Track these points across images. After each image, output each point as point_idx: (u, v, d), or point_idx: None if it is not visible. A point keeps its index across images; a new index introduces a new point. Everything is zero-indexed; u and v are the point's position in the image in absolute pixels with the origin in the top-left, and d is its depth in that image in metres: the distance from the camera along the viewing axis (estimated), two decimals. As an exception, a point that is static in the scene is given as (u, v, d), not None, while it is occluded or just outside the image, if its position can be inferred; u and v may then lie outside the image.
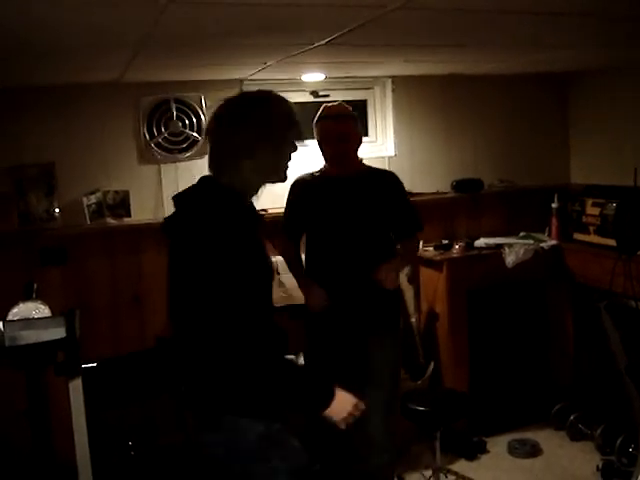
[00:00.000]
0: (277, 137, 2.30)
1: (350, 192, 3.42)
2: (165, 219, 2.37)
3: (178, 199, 2.32)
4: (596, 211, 4.43)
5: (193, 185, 2.32)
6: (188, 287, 2.18)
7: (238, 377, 2.15)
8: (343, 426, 2.27)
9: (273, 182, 2.37)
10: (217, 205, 2.20)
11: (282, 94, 4.66)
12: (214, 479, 2.32)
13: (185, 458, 3.56)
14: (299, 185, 3.58)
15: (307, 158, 3.99)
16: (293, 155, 2.39)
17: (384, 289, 3.35)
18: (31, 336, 2.89)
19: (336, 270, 3.43)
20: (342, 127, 3.38)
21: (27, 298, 3.14)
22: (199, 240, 2.15)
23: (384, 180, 3.53)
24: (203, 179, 2.31)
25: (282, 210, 4.34)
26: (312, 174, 3.60)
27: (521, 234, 4.90)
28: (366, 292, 3.39)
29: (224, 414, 2.21)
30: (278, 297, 4.38)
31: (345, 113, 3.44)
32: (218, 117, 2.30)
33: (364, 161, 3.60)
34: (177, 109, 4.32)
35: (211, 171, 2.30)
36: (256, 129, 2.23)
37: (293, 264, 3.71)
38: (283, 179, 2.39)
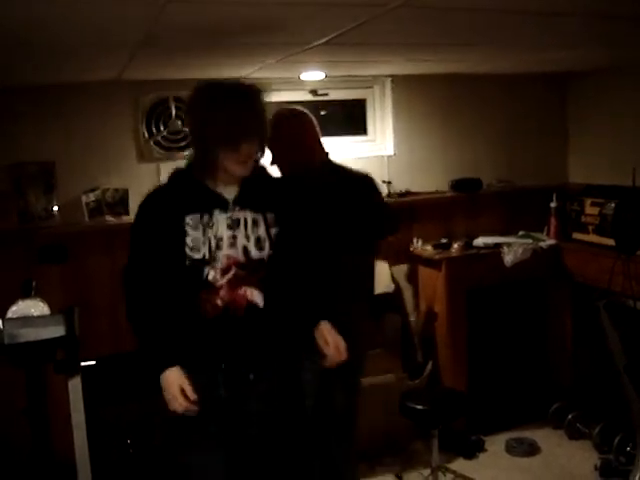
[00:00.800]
0: (195, 126, 2.54)
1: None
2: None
3: None
4: (595, 211, 4.43)
5: None
6: None
7: None
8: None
9: (207, 168, 2.52)
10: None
11: (281, 93, 4.72)
12: None
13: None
14: None
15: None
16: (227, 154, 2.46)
17: None
18: (30, 334, 2.89)
19: None
20: None
21: (26, 296, 3.15)
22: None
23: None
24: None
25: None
26: None
27: (520, 233, 4.91)
28: None
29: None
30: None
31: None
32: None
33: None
34: (176, 107, 4.32)
35: None
36: (187, 118, 2.77)
37: None
38: (236, 174, 2.50)
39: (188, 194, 2.49)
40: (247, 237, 2.49)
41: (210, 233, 2.45)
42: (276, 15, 2.41)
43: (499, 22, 2.76)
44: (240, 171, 2.49)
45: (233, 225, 2.48)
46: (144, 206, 2.59)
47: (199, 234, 2.44)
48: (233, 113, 2.42)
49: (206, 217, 2.46)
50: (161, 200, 2.55)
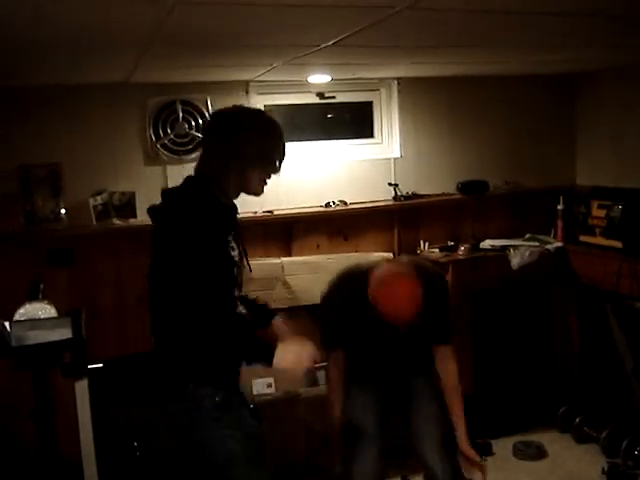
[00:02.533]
0: (265, 155, 2.58)
1: None
2: (151, 205, 2.75)
3: (165, 193, 2.64)
4: (602, 213, 4.43)
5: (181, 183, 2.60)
6: (161, 268, 2.49)
7: (198, 348, 2.44)
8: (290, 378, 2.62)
9: (249, 192, 2.64)
10: (192, 201, 2.49)
11: (288, 95, 4.73)
12: (180, 448, 2.63)
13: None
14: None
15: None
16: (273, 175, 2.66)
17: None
18: (38, 336, 2.90)
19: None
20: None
21: (33, 299, 3.15)
22: (173, 229, 2.44)
23: (430, 285, 3.04)
24: (188, 178, 2.59)
25: (288, 212, 4.37)
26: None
27: (527, 236, 4.89)
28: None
29: (187, 384, 2.48)
30: (282, 298, 4.39)
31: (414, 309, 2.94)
32: (214, 124, 2.66)
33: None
34: (183, 110, 4.32)
35: (198, 172, 2.60)
36: (243, 146, 2.52)
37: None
38: (257, 194, 2.66)
39: (221, 213, 2.54)
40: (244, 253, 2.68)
41: (236, 251, 2.59)
42: (284, 17, 2.41)
43: (507, 24, 2.76)
44: (261, 192, 2.66)
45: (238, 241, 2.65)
46: (205, 227, 2.44)
47: (236, 253, 2.58)
48: (280, 140, 2.62)
49: (233, 235, 2.58)
50: (211, 220, 2.48)
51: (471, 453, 3.20)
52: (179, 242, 2.40)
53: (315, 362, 2.63)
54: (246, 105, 4.39)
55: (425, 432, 3.25)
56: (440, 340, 3.24)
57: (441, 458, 3.23)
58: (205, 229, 2.42)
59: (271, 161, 2.59)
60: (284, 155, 2.63)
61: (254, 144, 2.53)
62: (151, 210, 2.72)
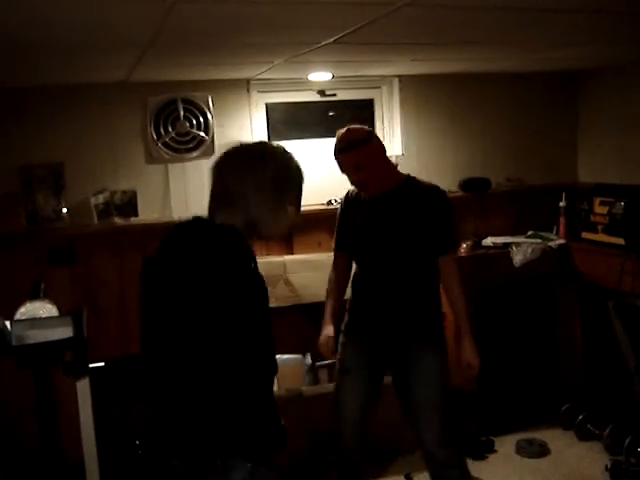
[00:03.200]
0: (282, 197, 2.27)
1: (387, 209, 3.26)
2: (148, 260, 2.31)
3: (172, 235, 2.24)
4: (604, 210, 4.41)
5: (186, 224, 2.22)
6: (188, 323, 2.09)
7: (237, 413, 2.06)
8: None
9: (263, 237, 2.31)
10: (220, 241, 2.12)
11: (289, 93, 4.72)
12: None
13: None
14: (348, 201, 3.46)
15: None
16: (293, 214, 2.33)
17: (423, 301, 3.32)
18: (38, 335, 2.89)
19: (375, 288, 3.33)
20: (352, 158, 3.17)
21: (34, 298, 3.14)
22: (204, 276, 2.07)
23: (424, 196, 3.28)
24: (197, 219, 2.22)
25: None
26: (356, 190, 3.44)
27: (529, 233, 4.88)
28: (404, 304, 3.29)
29: (215, 457, 2.09)
30: (284, 296, 4.39)
31: (352, 141, 3.18)
32: (227, 163, 2.25)
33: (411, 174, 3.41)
34: (184, 109, 4.32)
35: (210, 213, 2.22)
36: (266, 185, 2.20)
37: (329, 295, 3.53)
38: (273, 237, 2.47)
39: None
40: None
41: None
42: (284, 14, 2.40)
43: (507, 20, 2.75)
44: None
45: None
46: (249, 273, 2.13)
47: None
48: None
49: None
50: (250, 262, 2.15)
51: (474, 362, 3.35)
52: (222, 290, 2.05)
53: None
54: (246, 104, 4.47)
55: (424, 416, 3.30)
56: (441, 250, 3.29)
57: (442, 442, 3.30)
58: (245, 271, 2.10)
59: (283, 199, 2.28)
60: (297, 190, 2.38)
61: (297, 186, 2.35)
62: (152, 264, 2.32)
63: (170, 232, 2.24)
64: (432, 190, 3.31)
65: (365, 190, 3.30)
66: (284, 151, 2.35)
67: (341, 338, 3.45)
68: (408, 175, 3.37)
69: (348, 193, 3.47)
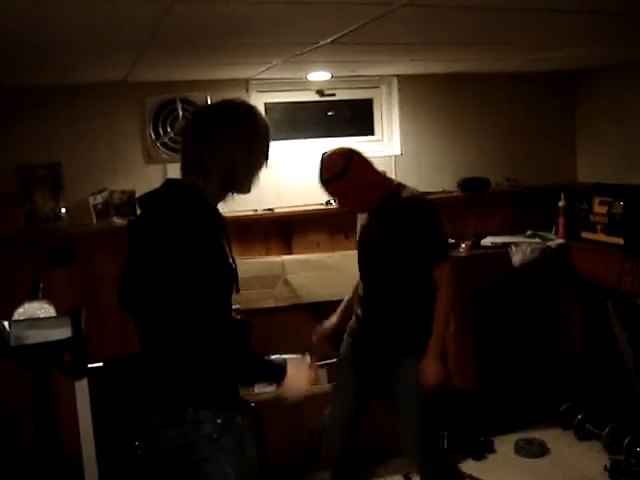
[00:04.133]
0: (253, 153, 2.33)
1: (369, 226, 3.34)
2: (130, 221, 2.50)
3: (143, 200, 2.39)
4: (603, 210, 4.41)
5: (159, 187, 2.36)
6: (149, 284, 2.26)
7: (200, 368, 2.23)
8: (292, 400, 2.45)
9: (237, 193, 2.39)
10: (181, 205, 2.25)
11: (288, 93, 4.72)
12: (172, 474, 2.41)
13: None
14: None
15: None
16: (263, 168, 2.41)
17: (406, 317, 3.31)
18: (37, 336, 2.89)
19: (364, 299, 3.41)
20: (335, 188, 3.21)
21: (33, 298, 3.15)
22: (162, 238, 2.21)
23: (402, 214, 3.24)
24: (169, 181, 2.41)
25: (288, 210, 4.38)
26: None
27: (528, 233, 4.88)
28: (386, 320, 3.32)
29: (185, 407, 2.26)
30: (283, 296, 4.39)
31: (332, 173, 3.18)
32: (196, 122, 2.35)
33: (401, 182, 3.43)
34: (183, 109, 4.32)
35: (182, 174, 2.34)
36: (236, 142, 2.27)
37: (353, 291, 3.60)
38: (247, 192, 2.40)
39: (217, 218, 2.35)
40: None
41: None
42: (282, 14, 2.40)
43: (505, 20, 2.75)
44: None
45: None
46: (203, 230, 2.23)
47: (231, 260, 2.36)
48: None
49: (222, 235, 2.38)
50: (206, 222, 2.27)
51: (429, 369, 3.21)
52: (178, 249, 2.16)
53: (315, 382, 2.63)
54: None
55: (402, 422, 3.35)
56: (431, 262, 3.27)
57: (421, 453, 3.36)
58: (204, 233, 2.21)
59: (257, 155, 2.36)
60: (267, 147, 2.40)
61: (264, 144, 2.37)
62: (132, 225, 2.47)
63: (147, 194, 2.38)
64: (411, 205, 3.26)
65: (354, 210, 3.42)
66: (250, 107, 2.39)
67: (344, 339, 3.54)
68: (397, 185, 3.35)
69: None
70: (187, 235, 2.18)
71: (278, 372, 2.40)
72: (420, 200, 3.30)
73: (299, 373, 2.47)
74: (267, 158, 2.39)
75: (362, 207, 3.33)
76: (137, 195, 4.27)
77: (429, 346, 3.20)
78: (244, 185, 2.36)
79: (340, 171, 3.16)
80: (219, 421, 2.26)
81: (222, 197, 2.36)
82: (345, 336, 3.51)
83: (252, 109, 2.37)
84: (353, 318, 3.49)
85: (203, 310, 2.17)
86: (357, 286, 3.51)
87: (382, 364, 3.33)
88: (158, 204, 2.31)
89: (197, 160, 2.27)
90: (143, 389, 2.49)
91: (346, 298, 3.63)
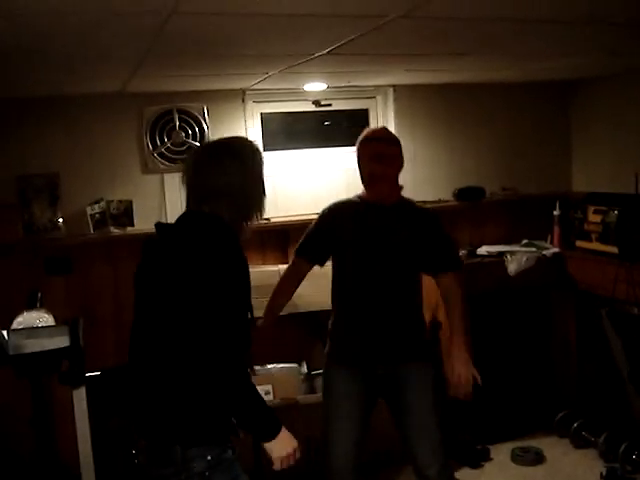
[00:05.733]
0: (260, 181, 2.44)
1: (386, 221, 3.24)
2: (150, 238, 2.45)
3: (165, 228, 2.43)
4: (598, 218, 4.43)
5: (182, 217, 2.39)
6: (175, 309, 2.22)
7: (202, 403, 2.22)
8: (277, 466, 2.37)
9: (250, 222, 2.44)
10: (217, 231, 2.28)
11: (284, 104, 4.74)
12: None
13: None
14: (334, 211, 3.38)
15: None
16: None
17: (410, 320, 3.30)
18: (35, 345, 2.90)
19: (363, 299, 3.25)
20: (389, 149, 3.22)
21: (31, 307, 3.16)
22: (201, 265, 2.20)
23: (422, 216, 3.36)
24: (192, 212, 2.38)
25: (285, 220, 4.38)
26: (349, 200, 3.39)
27: (523, 242, 4.90)
28: (392, 323, 3.23)
29: (173, 445, 2.23)
30: (281, 305, 4.39)
31: (392, 137, 3.32)
32: (209, 158, 2.38)
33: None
34: (180, 119, 4.34)
35: (194, 207, 2.37)
36: (245, 173, 2.36)
37: (277, 294, 3.54)
38: (258, 221, 2.48)
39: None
40: None
41: None
42: (278, 26, 2.43)
43: (500, 31, 2.78)
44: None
45: None
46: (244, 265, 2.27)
47: None
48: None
49: None
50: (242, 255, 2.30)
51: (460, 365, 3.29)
52: (218, 275, 2.17)
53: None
54: (242, 114, 4.49)
55: (419, 435, 3.23)
56: (443, 268, 3.33)
57: (436, 459, 3.22)
58: (241, 262, 2.24)
59: (262, 181, 2.47)
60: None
61: (261, 175, 2.46)
62: (152, 245, 2.44)
63: (175, 224, 2.39)
64: (429, 212, 3.45)
65: (373, 190, 3.25)
66: (252, 142, 2.52)
67: (325, 369, 3.39)
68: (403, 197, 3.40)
69: (335, 204, 3.41)
70: (231, 263, 2.21)
71: (275, 427, 2.34)
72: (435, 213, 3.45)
73: (290, 439, 2.41)
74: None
75: (383, 189, 3.24)
76: (134, 205, 4.30)
77: (458, 352, 3.30)
78: (259, 216, 2.44)
79: (398, 140, 3.30)
80: (209, 458, 2.23)
81: (237, 228, 2.37)
82: (334, 369, 3.31)
83: (254, 143, 2.51)
84: (334, 343, 3.34)
85: (228, 343, 2.17)
86: (287, 290, 3.48)
87: (392, 377, 3.25)
88: (191, 230, 2.32)
89: (210, 192, 2.32)
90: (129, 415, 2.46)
91: (276, 301, 3.51)
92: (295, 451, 2.40)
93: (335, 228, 3.32)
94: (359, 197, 3.34)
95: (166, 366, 2.25)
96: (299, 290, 3.96)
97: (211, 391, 2.20)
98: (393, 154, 3.24)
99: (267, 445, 2.33)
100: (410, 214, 3.30)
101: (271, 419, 2.33)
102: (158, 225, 2.43)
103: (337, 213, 3.36)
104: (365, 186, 3.29)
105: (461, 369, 3.30)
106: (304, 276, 3.48)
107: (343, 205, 3.38)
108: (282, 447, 2.36)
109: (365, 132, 3.31)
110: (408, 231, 3.23)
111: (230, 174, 2.31)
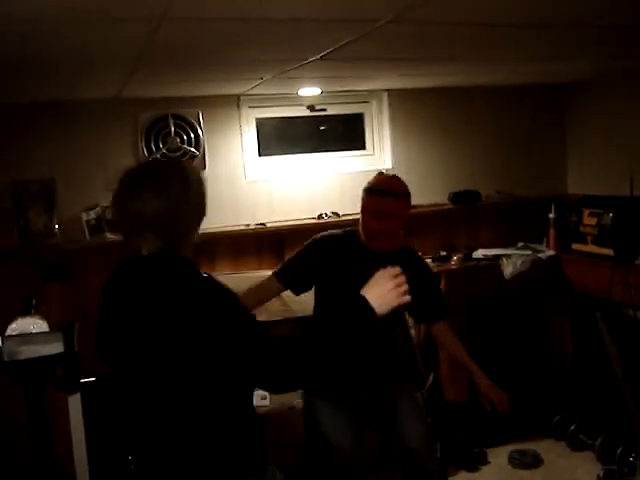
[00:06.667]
0: (201, 212, 2.15)
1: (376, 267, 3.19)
2: (112, 280, 2.21)
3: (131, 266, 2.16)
4: (593, 221, 4.44)
5: (147, 257, 2.11)
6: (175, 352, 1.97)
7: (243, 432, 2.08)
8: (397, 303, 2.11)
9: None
10: (191, 278, 2.04)
11: (279, 109, 4.75)
12: None
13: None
14: (323, 244, 3.28)
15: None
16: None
17: (391, 345, 3.33)
18: (29, 351, 2.90)
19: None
20: (392, 206, 3.08)
21: (26, 313, 3.16)
22: (192, 310, 1.95)
23: (417, 266, 3.27)
24: (157, 255, 2.09)
25: (280, 224, 4.38)
26: (340, 234, 3.29)
27: (519, 245, 4.91)
28: (374, 352, 3.15)
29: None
30: (277, 310, 4.40)
31: (399, 190, 3.13)
32: (147, 181, 2.13)
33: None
34: (175, 125, 4.35)
35: (159, 244, 2.08)
36: (189, 202, 2.09)
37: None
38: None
39: None
40: None
41: None
42: (270, 32, 2.44)
43: (492, 35, 2.79)
44: None
45: None
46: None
47: None
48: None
49: None
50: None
51: (492, 391, 3.33)
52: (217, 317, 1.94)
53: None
54: (237, 120, 4.50)
55: (414, 449, 3.20)
56: (435, 317, 3.35)
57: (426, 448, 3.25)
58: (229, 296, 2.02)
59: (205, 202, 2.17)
60: None
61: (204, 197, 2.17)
62: (114, 287, 2.21)
63: (118, 275, 2.17)
64: (424, 261, 3.46)
65: (372, 241, 3.15)
66: (192, 167, 2.34)
67: (305, 402, 3.38)
68: (407, 242, 3.42)
69: (326, 239, 3.31)
70: (225, 301, 1.99)
71: (360, 311, 2.06)
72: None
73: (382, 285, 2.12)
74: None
75: (383, 241, 3.14)
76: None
77: (483, 381, 3.35)
78: (191, 248, 2.16)
79: (406, 193, 3.14)
80: None
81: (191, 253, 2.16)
82: (317, 404, 3.26)
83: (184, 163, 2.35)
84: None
85: (266, 352, 1.98)
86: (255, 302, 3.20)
87: (377, 402, 3.26)
88: (165, 278, 2.04)
89: (153, 220, 2.05)
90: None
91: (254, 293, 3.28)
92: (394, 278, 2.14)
93: (322, 264, 3.23)
94: (354, 234, 3.23)
95: (197, 414, 2.03)
96: (295, 295, 3.94)
97: (244, 419, 2.10)
98: (396, 211, 3.10)
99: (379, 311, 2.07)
100: (407, 264, 3.19)
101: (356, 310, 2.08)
102: (125, 264, 2.18)
103: (327, 249, 3.26)
104: (362, 233, 3.18)
105: (496, 396, 3.36)
106: (272, 297, 3.42)
107: (335, 240, 3.28)
108: (380, 293, 2.11)
109: (373, 180, 3.20)
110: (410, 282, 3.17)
111: (166, 200, 2.03)
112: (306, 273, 3.29)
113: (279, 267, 3.39)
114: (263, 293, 3.35)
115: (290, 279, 3.32)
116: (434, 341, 4.43)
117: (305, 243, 3.36)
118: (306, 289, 3.35)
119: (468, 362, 3.36)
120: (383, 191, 3.09)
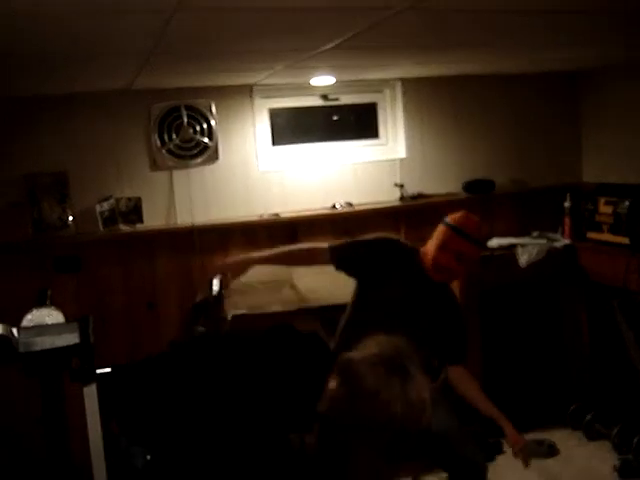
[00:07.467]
0: None
1: (421, 298, 3.20)
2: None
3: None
4: (609, 209, 4.41)
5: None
6: None
7: None
8: None
9: None
10: None
11: (292, 99, 4.74)
12: None
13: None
14: (391, 248, 3.29)
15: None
16: None
17: None
18: (45, 342, 2.89)
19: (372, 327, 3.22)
20: (473, 251, 3.14)
21: (41, 305, 3.16)
22: None
23: (449, 307, 3.29)
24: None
25: (293, 215, 4.35)
26: (407, 248, 3.30)
27: (534, 234, 4.88)
28: None
29: None
30: (291, 300, 4.39)
31: (481, 236, 3.23)
32: None
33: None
34: (188, 115, 4.34)
35: None
36: None
37: (282, 257, 3.49)
38: None
39: None
40: None
41: None
42: (283, 21, 2.42)
43: (507, 22, 2.76)
44: None
45: None
46: None
47: None
48: None
49: None
50: None
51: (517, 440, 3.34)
52: None
53: None
54: (250, 110, 4.48)
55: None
56: (452, 360, 3.29)
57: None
58: None
59: None
60: None
61: None
62: None
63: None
64: (457, 303, 3.35)
65: (438, 273, 3.17)
66: None
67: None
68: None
69: (398, 244, 3.33)
70: None
71: None
72: None
73: None
74: None
75: (450, 278, 3.24)
76: (143, 202, 4.29)
77: (506, 426, 3.40)
78: None
79: (483, 238, 3.26)
80: None
81: None
82: None
83: None
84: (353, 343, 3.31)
85: None
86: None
87: None
88: None
89: None
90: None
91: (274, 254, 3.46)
92: None
93: (379, 265, 3.24)
94: (417, 255, 3.25)
95: None
96: (310, 285, 3.95)
97: None
98: (475, 258, 3.21)
99: None
100: (439, 299, 3.24)
101: None
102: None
103: (391, 255, 3.26)
104: (429, 262, 3.18)
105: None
106: (314, 265, 3.49)
107: (401, 251, 3.29)
108: None
109: (461, 220, 3.14)
110: (431, 319, 3.19)
111: None
112: (360, 264, 3.28)
113: (338, 244, 3.36)
114: (311, 258, 3.41)
115: (342, 260, 3.31)
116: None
117: (375, 236, 3.37)
118: (349, 274, 3.34)
119: (488, 409, 3.41)
120: (472, 237, 3.11)
